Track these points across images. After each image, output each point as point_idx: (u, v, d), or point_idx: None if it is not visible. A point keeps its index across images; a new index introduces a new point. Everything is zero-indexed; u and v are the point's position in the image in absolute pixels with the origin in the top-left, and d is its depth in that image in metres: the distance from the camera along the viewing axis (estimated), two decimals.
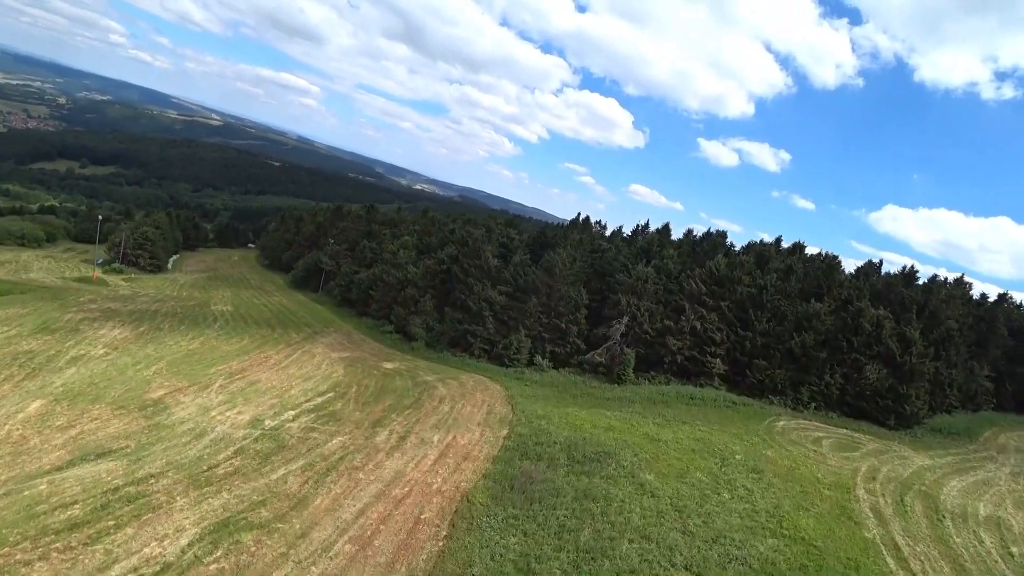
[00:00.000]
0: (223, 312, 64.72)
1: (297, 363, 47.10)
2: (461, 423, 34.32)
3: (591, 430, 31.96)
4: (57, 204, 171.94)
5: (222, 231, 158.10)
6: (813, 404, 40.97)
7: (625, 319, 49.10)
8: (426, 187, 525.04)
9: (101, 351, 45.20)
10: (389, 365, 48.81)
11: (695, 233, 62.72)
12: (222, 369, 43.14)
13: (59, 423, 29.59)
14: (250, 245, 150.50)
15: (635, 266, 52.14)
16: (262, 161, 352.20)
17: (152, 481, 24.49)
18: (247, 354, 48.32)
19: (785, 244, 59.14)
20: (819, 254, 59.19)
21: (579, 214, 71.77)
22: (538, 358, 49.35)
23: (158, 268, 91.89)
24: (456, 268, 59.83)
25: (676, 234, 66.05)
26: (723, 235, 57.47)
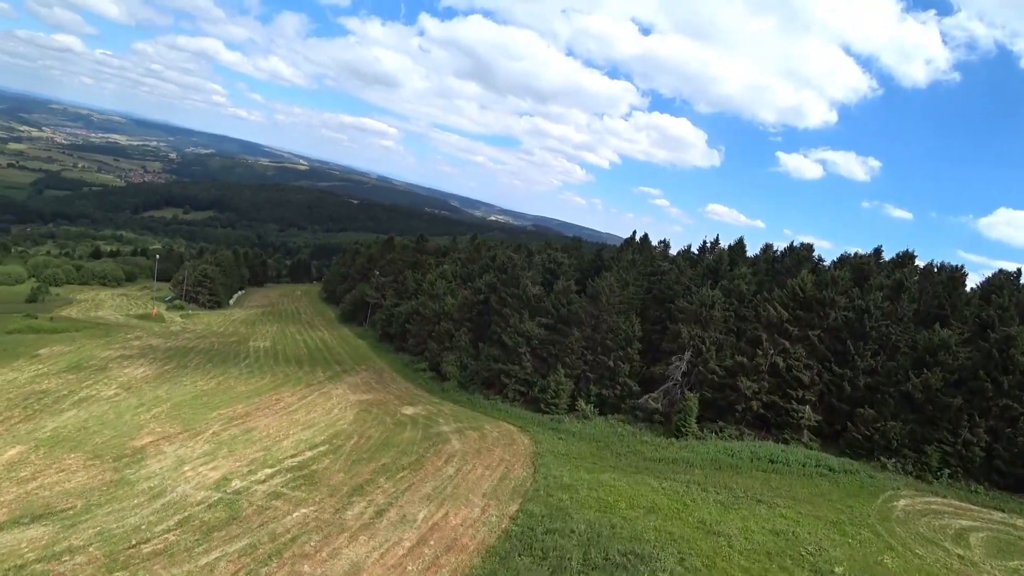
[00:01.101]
0: (258, 349, 62.43)
1: (308, 407, 42.55)
2: (462, 493, 27.29)
3: (626, 512, 23.80)
4: (160, 247, 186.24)
5: (295, 267, 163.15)
6: (947, 472, 29.83)
7: (687, 355, 40.20)
8: (500, 218, 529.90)
9: (112, 392, 43.23)
10: (408, 410, 42.93)
11: (776, 249, 52.53)
12: (224, 413, 39.48)
13: (24, 474, 27.21)
14: (317, 281, 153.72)
15: (699, 289, 43.18)
16: (343, 200, 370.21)
17: (66, 558, 20.25)
18: (259, 396, 44.61)
19: (887, 256, 47.66)
20: (934, 265, 47.02)
21: (634, 232, 63.41)
22: (580, 403, 41.42)
23: (217, 304, 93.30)
24: (494, 298, 53.56)
25: (753, 251, 56.00)
26: (808, 248, 46.77)
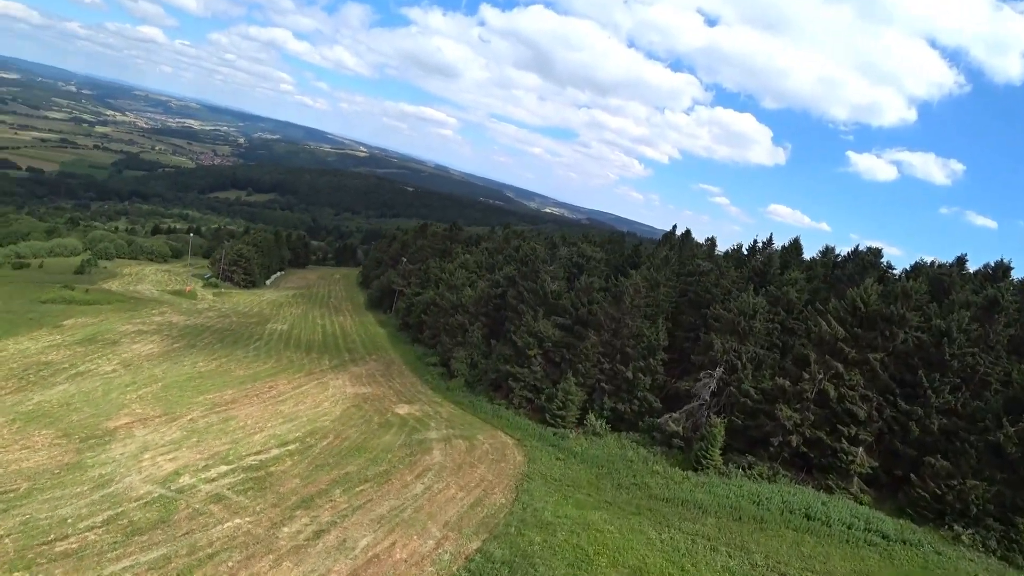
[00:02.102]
0: (273, 332, 60.81)
1: (299, 397, 39.86)
2: (421, 519, 23.21)
3: (605, 571, 18.95)
4: (220, 226, 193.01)
5: (341, 251, 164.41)
6: None
7: (718, 371, 34.37)
8: (555, 210, 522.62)
9: (110, 368, 42.31)
10: (403, 409, 39.36)
11: (837, 253, 44.96)
12: (211, 399, 37.57)
13: None
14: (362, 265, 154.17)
15: (740, 294, 37.05)
16: (398, 187, 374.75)
17: None
18: (255, 382, 42.45)
19: (972, 266, 39.40)
20: None
21: (674, 226, 57.08)
22: (591, 416, 36.41)
23: (252, 284, 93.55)
24: (511, 292, 49.14)
25: (813, 254, 48.57)
26: (876, 253, 38.98)
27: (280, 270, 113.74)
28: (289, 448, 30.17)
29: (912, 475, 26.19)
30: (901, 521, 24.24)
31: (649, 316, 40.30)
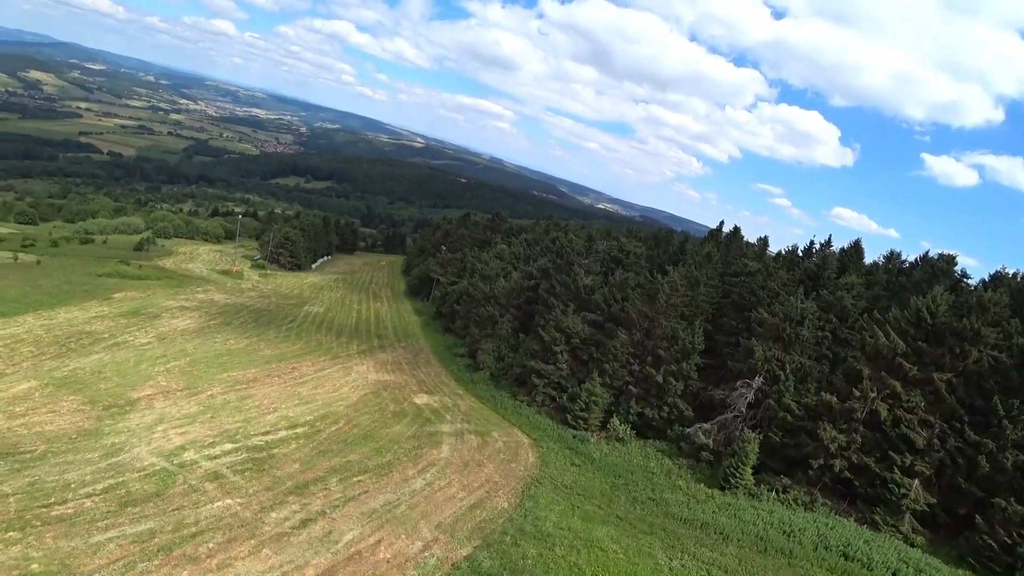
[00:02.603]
0: (308, 314, 61.40)
1: (320, 380, 39.62)
2: (414, 517, 21.95)
3: None
4: (273, 210, 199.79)
5: (390, 238, 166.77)
6: None
7: (757, 380, 31.38)
8: (608, 206, 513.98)
9: (146, 340, 43.53)
10: (421, 399, 38.36)
11: (904, 259, 40.36)
12: (234, 376, 37.99)
13: (18, 409, 27.95)
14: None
15: (788, 298, 33.71)
16: (452, 178, 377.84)
17: None
18: (280, 362, 42.64)
19: None
20: None
21: (721, 222, 53.36)
22: (615, 421, 34.16)
23: (297, 267, 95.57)
24: (544, 285, 47.26)
25: (876, 259, 44.00)
26: (949, 260, 34.12)
27: (327, 255, 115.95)
28: (297, 431, 29.69)
29: (977, 517, 22.63)
30: (960, 572, 20.88)
31: (686, 317, 37.49)
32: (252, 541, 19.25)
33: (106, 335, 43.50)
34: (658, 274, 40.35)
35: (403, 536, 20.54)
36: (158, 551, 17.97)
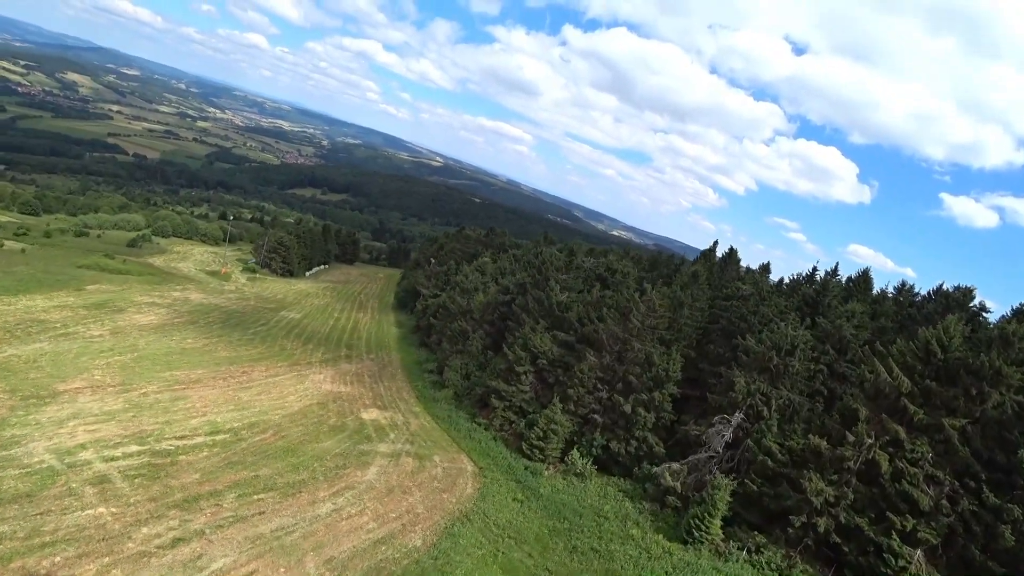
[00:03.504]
0: (283, 319, 58.48)
1: (269, 387, 36.50)
2: (303, 549, 18.46)
3: None
4: (292, 219, 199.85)
5: (393, 252, 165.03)
6: None
7: (737, 417, 27.30)
8: (622, 233, 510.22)
9: (97, 333, 41.25)
10: (369, 415, 34.82)
11: (916, 291, 36.00)
12: (177, 375, 35.42)
13: None
14: None
15: (779, 324, 29.74)
16: (466, 197, 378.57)
17: None
18: (233, 365, 39.81)
19: None
20: None
21: (715, 242, 49.47)
22: (575, 453, 30.19)
23: (290, 273, 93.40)
24: (519, 300, 43.77)
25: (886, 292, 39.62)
26: (966, 293, 29.55)
27: (324, 263, 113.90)
28: (216, 438, 26.48)
29: None
30: None
31: (665, 341, 33.63)
32: (106, 559, 16.42)
33: (58, 325, 41.17)
34: (636, 292, 36.67)
35: (281, 569, 16.94)
36: None
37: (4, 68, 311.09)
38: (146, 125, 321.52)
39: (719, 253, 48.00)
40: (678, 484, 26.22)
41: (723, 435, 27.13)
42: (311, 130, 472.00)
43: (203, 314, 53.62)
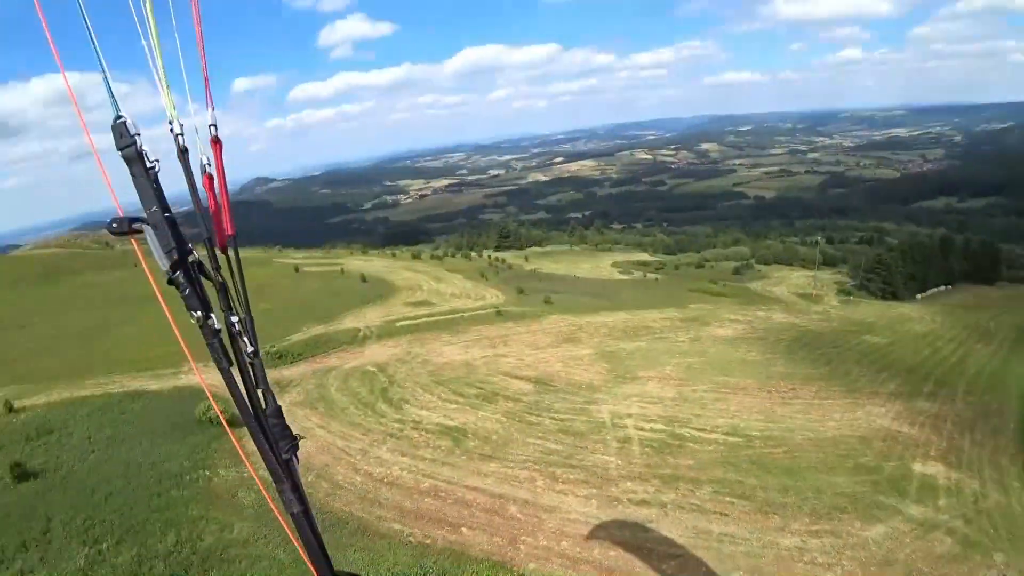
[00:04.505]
0: (860, 344, 52.94)
1: (809, 408, 35.69)
2: (731, 566, 17.79)
3: None
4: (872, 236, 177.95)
5: None
6: None
7: None
8: None
9: (683, 339, 51.46)
10: (921, 467, 28.02)
11: None
12: (728, 380, 39.68)
13: (570, 364, 41.72)
14: None
15: None
16: None
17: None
18: (781, 380, 41.10)
19: None
20: None
21: None
22: None
23: (893, 295, 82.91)
24: None
25: None
26: None
27: (947, 284, 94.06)
28: (729, 438, 29.07)
29: None
30: None
31: None
32: (593, 490, 22.31)
33: (658, 331, 53.67)
34: None
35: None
36: (544, 462, 24.73)
37: (662, 154, 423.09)
38: (762, 169, 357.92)
39: None
40: None
41: None
42: (936, 129, 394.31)
43: (777, 332, 55.88)
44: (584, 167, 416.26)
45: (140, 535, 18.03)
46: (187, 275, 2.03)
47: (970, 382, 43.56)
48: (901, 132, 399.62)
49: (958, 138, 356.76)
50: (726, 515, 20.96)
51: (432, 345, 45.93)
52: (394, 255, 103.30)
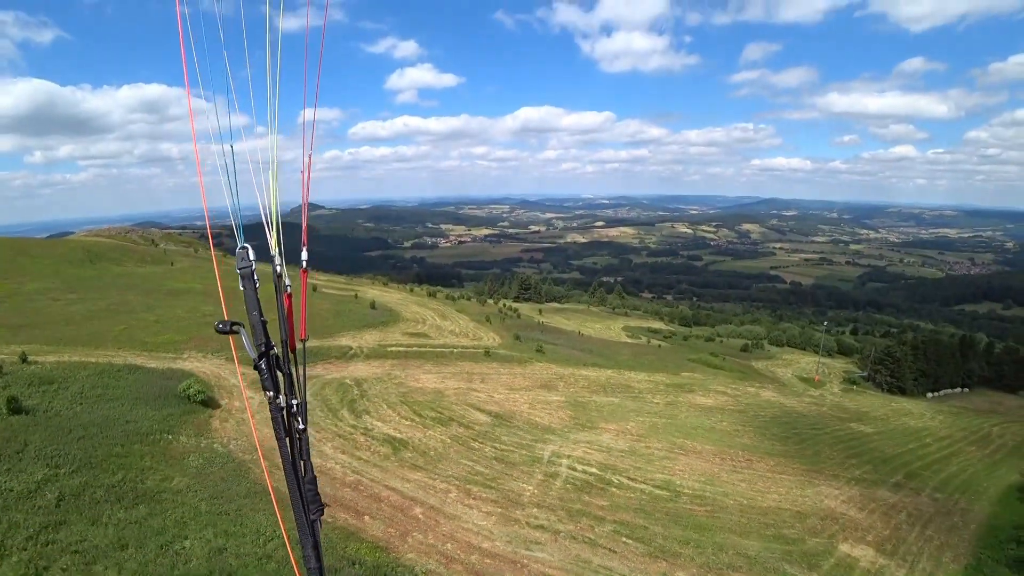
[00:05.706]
0: (843, 430, 52.49)
1: (756, 480, 35.68)
2: None
3: None
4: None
5: None
6: None
7: None
8: None
9: (658, 400, 52.32)
10: (851, 549, 28.12)
11: None
12: (685, 443, 40.91)
13: (536, 407, 42.99)
14: None
15: None
16: None
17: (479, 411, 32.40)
18: (742, 451, 41.09)
19: None
20: None
21: None
22: None
23: (900, 390, 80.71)
24: None
25: None
26: None
27: (963, 387, 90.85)
28: (657, 491, 29.88)
29: None
30: None
31: None
32: (497, 509, 23.07)
33: (636, 390, 54.37)
34: None
35: None
36: (466, 480, 26.14)
37: (703, 230, 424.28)
38: (802, 256, 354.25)
39: None
40: None
41: None
42: (988, 232, 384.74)
43: (760, 408, 55.71)
44: (624, 233, 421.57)
45: (94, 469, 20.58)
46: (267, 363, 2.47)
47: (945, 480, 42.46)
48: (950, 232, 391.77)
49: (1011, 244, 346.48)
50: (614, 552, 21.80)
51: (413, 371, 48.09)
52: (412, 290, 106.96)
